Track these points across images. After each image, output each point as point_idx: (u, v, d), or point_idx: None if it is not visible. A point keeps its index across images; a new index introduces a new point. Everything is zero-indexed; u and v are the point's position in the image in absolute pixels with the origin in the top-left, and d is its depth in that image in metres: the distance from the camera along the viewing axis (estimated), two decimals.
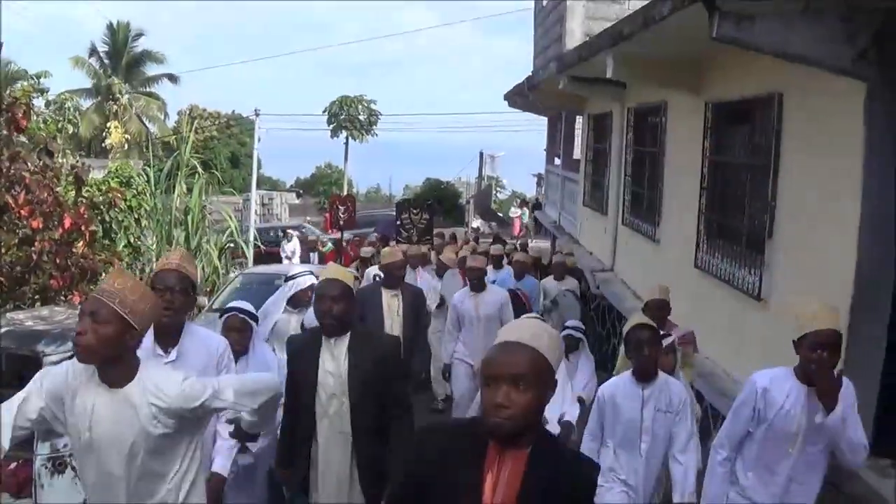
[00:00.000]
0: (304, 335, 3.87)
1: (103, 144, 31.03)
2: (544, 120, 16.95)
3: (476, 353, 5.93)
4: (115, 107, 31.86)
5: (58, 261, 6.81)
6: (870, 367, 3.60)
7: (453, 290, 6.95)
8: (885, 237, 3.64)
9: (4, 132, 6.87)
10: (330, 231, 16.04)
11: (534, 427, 1.80)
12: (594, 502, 1.88)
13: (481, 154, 35.56)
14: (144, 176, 13.22)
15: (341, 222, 12.39)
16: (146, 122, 33.58)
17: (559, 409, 4.67)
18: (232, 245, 14.66)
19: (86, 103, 33.05)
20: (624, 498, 3.66)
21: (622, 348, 4.06)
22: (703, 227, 5.92)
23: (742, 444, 3.23)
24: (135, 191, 12.41)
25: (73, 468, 3.64)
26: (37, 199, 6.74)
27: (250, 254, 15.83)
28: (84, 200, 8.05)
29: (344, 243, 14.23)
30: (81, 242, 7.18)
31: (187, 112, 36.16)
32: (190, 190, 13.56)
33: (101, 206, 10.07)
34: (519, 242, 14.68)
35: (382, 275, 5.87)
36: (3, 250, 6.64)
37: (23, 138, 7.66)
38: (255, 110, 24.38)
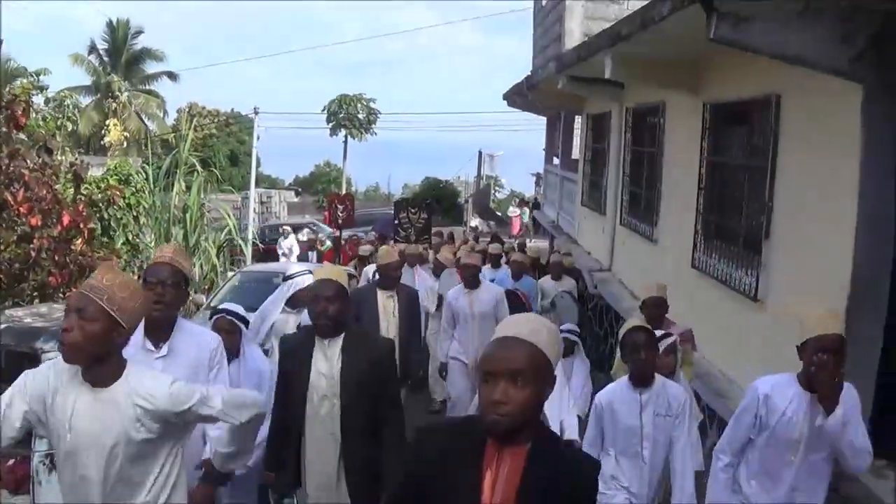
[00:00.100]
0: (297, 335, 3.80)
1: (102, 142, 31.04)
2: (543, 120, 16.93)
3: (470, 351, 5.92)
4: (114, 104, 31.83)
5: (56, 258, 6.83)
6: (866, 367, 3.60)
7: (451, 289, 6.93)
8: (882, 238, 3.65)
9: (4, 129, 6.89)
10: (331, 226, 16.02)
11: (532, 424, 1.77)
12: (594, 501, 1.85)
13: (480, 153, 35.47)
14: (143, 174, 13.24)
15: (340, 221, 12.36)
16: (145, 120, 33.59)
17: (557, 408, 4.65)
18: (230, 241, 14.67)
19: (85, 101, 33.02)
20: None
21: (619, 351, 4.05)
22: (700, 227, 5.92)
23: (745, 452, 3.21)
24: (133, 188, 12.42)
25: None
26: (36, 196, 6.76)
27: (248, 252, 15.84)
28: (83, 198, 8.08)
29: (342, 242, 14.22)
30: (80, 240, 7.20)
31: (186, 110, 36.26)
32: (189, 188, 13.59)
33: (100, 204, 10.11)
34: (517, 242, 14.65)
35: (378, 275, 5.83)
36: (1, 247, 6.65)
37: (22, 136, 7.66)
38: (255, 108, 24.59)
